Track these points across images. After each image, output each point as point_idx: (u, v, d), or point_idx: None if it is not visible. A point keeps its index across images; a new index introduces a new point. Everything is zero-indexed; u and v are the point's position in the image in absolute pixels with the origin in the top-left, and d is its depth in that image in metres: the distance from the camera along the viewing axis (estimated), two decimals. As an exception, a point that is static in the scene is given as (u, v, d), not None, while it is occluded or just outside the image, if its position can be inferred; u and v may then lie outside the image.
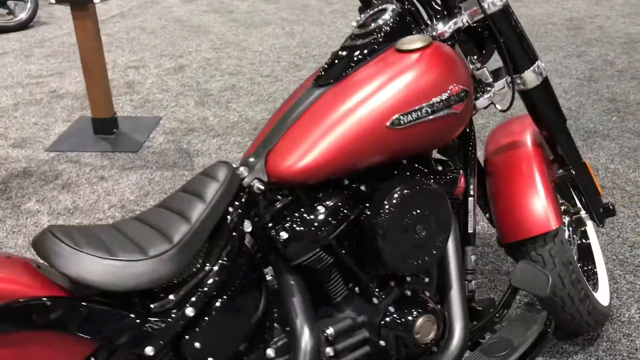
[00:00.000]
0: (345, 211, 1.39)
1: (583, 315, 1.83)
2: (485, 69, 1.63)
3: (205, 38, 5.32)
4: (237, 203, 1.33)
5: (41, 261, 1.16)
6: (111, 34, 5.54)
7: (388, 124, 1.35)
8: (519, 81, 1.68)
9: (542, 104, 1.74)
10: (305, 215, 1.36)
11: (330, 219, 1.37)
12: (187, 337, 1.22)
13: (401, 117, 1.35)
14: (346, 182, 1.42)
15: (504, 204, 1.79)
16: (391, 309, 1.49)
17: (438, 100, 1.38)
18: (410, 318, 1.47)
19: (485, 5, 1.55)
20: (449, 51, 1.46)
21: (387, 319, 1.48)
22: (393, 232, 1.37)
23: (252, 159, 1.40)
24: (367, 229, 1.38)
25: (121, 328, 1.15)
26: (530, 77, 1.67)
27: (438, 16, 1.60)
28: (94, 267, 1.13)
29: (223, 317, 1.26)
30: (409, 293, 1.52)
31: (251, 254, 1.37)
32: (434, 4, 1.62)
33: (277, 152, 1.37)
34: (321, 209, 1.37)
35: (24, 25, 5.71)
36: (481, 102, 1.65)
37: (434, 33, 1.57)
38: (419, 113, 1.37)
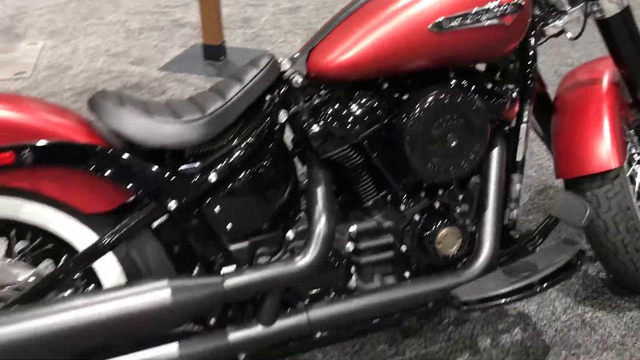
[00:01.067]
0: (378, 113, 1.41)
1: (638, 267, 1.72)
2: None
3: (326, -17, 5.38)
4: (275, 92, 1.41)
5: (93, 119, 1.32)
6: None
7: (430, 26, 1.35)
8: (595, 8, 1.59)
9: (621, 36, 1.64)
10: (338, 112, 1.40)
11: (362, 118, 1.40)
12: (208, 200, 1.33)
13: (445, 20, 1.35)
14: (385, 85, 1.44)
15: (566, 139, 1.72)
16: (417, 217, 1.51)
17: (486, 7, 1.36)
18: (433, 228, 1.48)
19: None
20: None
21: (411, 226, 1.50)
22: (422, 138, 1.38)
23: (296, 55, 1.46)
24: (397, 132, 1.40)
25: (151, 180, 1.28)
26: (607, 5, 1.58)
27: None
28: (132, 123, 1.26)
29: (244, 190, 1.36)
30: (437, 205, 1.53)
31: (283, 143, 1.44)
32: None
33: (319, 49, 1.41)
34: (355, 107, 1.41)
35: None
36: (552, 28, 1.59)
37: None
38: (463, 19, 1.35)
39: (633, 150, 1.90)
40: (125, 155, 1.26)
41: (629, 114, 1.79)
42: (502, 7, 1.37)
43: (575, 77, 1.83)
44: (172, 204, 1.29)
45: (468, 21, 1.35)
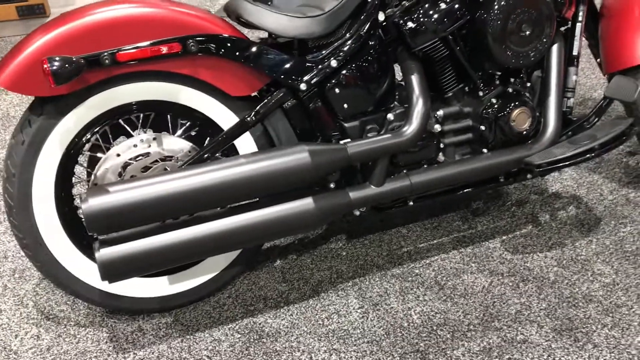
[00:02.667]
0: (462, 10, 1.69)
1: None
2: None
3: None
4: (373, -4, 1.68)
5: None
6: None
7: None
8: None
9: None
10: (428, 10, 1.67)
11: (449, 15, 1.67)
12: (330, 83, 1.63)
13: None
14: None
15: (612, 38, 1.98)
16: (493, 100, 1.79)
17: None
18: (508, 108, 1.77)
19: None
20: None
21: (489, 109, 1.79)
22: (502, 29, 1.66)
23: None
24: (480, 26, 1.68)
25: (285, 65, 1.57)
26: None
27: None
28: (269, 18, 1.55)
29: (356, 76, 1.65)
30: (510, 90, 1.81)
31: (383, 40, 1.72)
32: None
33: None
34: (443, 5, 1.68)
35: None
36: None
37: None
38: None
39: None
40: (264, 46, 1.55)
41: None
42: None
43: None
44: (303, 86, 1.59)
45: None
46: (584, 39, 2.18)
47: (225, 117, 1.62)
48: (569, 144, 1.76)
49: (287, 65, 1.57)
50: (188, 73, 1.54)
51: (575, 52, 1.90)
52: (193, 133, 1.66)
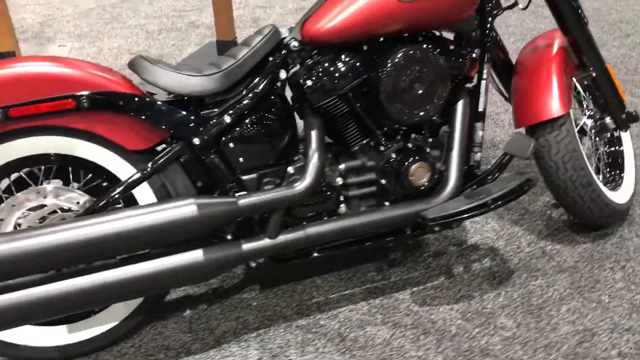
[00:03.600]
0: (359, 69, 1.75)
1: (585, 201, 2.04)
2: None
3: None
4: (276, 54, 1.75)
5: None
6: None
7: None
8: None
9: (560, 3, 1.97)
10: (327, 69, 1.74)
11: (346, 74, 1.74)
12: (224, 138, 1.68)
13: None
14: (365, 47, 1.78)
15: (521, 94, 2.04)
16: (393, 155, 1.84)
17: None
18: (407, 163, 1.81)
19: None
20: None
21: (389, 163, 1.84)
22: (394, 87, 1.72)
23: (294, 25, 1.81)
24: (374, 84, 1.74)
25: (179, 122, 1.63)
26: None
27: None
28: (164, 77, 1.62)
29: (252, 131, 1.70)
30: (410, 145, 1.87)
31: (284, 97, 1.78)
32: None
33: (311, 19, 1.76)
34: (340, 65, 1.74)
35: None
36: (504, 0, 1.93)
37: None
38: (424, -12, 1.69)
39: (585, 104, 2.23)
40: (159, 103, 1.61)
41: (576, 73, 2.12)
42: None
43: (533, 45, 2.16)
44: (196, 140, 1.64)
45: (428, -10, 1.69)
46: (501, 95, 2.26)
47: (123, 170, 1.67)
48: (464, 199, 1.80)
49: (181, 121, 1.63)
50: (84, 128, 1.59)
51: (481, 109, 1.96)
52: (95, 184, 1.71)
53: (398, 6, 1.70)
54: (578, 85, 2.18)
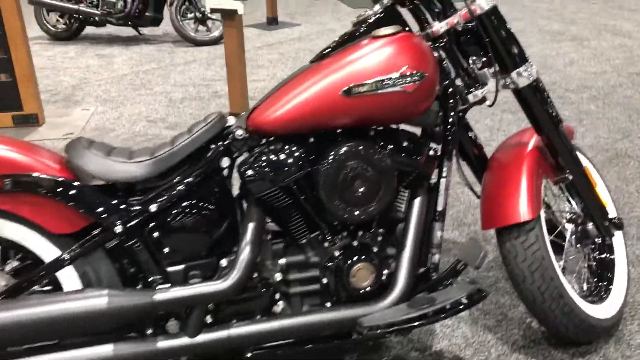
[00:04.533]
0: (302, 162, 1.67)
1: (557, 315, 1.85)
2: (485, 69, 1.81)
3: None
4: (219, 142, 1.70)
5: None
6: (283, 53, 6.30)
7: (341, 92, 1.62)
8: (508, 81, 1.82)
9: (533, 105, 1.86)
10: (269, 159, 1.67)
11: (288, 166, 1.66)
12: (149, 227, 1.62)
13: (353, 87, 1.61)
14: (311, 139, 1.71)
15: (489, 195, 1.91)
16: (336, 253, 1.73)
17: (388, 77, 1.61)
18: (349, 263, 1.70)
19: (473, 7, 1.74)
20: (414, 40, 1.66)
21: (331, 261, 1.72)
22: (332, 184, 1.63)
23: (242, 113, 1.76)
24: (316, 179, 1.66)
25: (103, 207, 1.58)
26: (517, 78, 1.81)
27: (438, 17, 1.83)
28: (93, 161, 1.58)
29: (182, 221, 1.63)
30: (355, 243, 1.75)
31: (224, 185, 1.71)
32: (434, 5, 1.85)
33: (257, 108, 1.71)
34: (283, 156, 1.67)
35: (216, 41, 6.72)
36: (472, 96, 1.83)
37: (429, 31, 1.81)
38: (369, 86, 1.61)
39: (564, 208, 2.07)
40: (85, 187, 1.57)
41: (552, 175, 1.97)
42: (403, 77, 1.62)
43: (507, 142, 2.04)
44: (118, 228, 1.58)
45: (373, 88, 1.61)
46: (472, 192, 2.12)
47: (48, 252, 1.62)
48: (407, 307, 1.65)
49: (105, 207, 1.58)
50: (8, 209, 1.57)
51: (440, 208, 1.83)
52: (23, 266, 1.67)
53: (341, 101, 1.62)
54: (555, 187, 2.03)
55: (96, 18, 6.73)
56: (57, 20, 7.00)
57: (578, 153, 2.11)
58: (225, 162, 1.70)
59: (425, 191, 1.82)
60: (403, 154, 1.74)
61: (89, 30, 7.17)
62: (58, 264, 1.59)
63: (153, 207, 1.60)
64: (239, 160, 1.72)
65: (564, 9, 8.39)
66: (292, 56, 6.17)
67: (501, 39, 1.79)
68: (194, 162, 1.67)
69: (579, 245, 2.06)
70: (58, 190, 1.55)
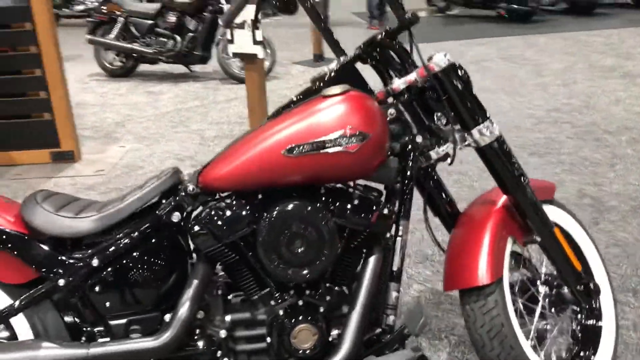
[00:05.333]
0: (248, 219, 1.67)
1: (519, 385, 1.75)
2: (449, 126, 1.78)
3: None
4: (171, 197, 1.73)
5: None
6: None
7: (283, 151, 1.62)
8: (470, 139, 1.77)
9: (495, 163, 1.79)
10: (215, 215, 1.68)
11: (233, 223, 1.67)
12: (91, 281, 1.66)
13: (295, 147, 1.61)
14: (260, 196, 1.71)
15: (451, 255, 1.85)
16: (280, 312, 1.71)
17: (330, 137, 1.60)
18: (291, 323, 1.67)
19: (430, 65, 1.72)
20: (360, 100, 1.63)
21: (275, 320, 1.70)
22: (271, 242, 1.62)
23: (195, 169, 1.79)
24: (257, 237, 1.65)
25: (48, 262, 1.64)
26: (477, 136, 1.75)
27: (400, 73, 1.81)
28: (38, 216, 1.65)
29: (124, 276, 1.67)
30: (301, 303, 1.72)
31: (174, 239, 1.74)
32: (395, 63, 1.83)
33: (209, 166, 1.73)
34: (229, 213, 1.68)
35: (260, 78, 6.88)
36: (434, 154, 1.79)
37: (390, 87, 1.80)
38: (311, 145, 1.60)
39: (542, 270, 1.96)
40: (32, 241, 1.64)
41: (520, 235, 1.88)
42: (345, 138, 1.60)
43: (479, 199, 1.97)
44: (61, 282, 1.63)
45: (314, 148, 1.60)
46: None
47: (2, 301, 1.69)
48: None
49: (49, 261, 1.64)
50: (-36, 257, 1.66)
51: (395, 268, 1.78)
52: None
53: (284, 160, 1.62)
54: (524, 249, 1.93)
55: (149, 56, 7.05)
56: (114, 58, 7.38)
57: (560, 211, 2.01)
58: (175, 217, 1.73)
59: (381, 249, 1.78)
60: (353, 212, 1.71)
61: (144, 67, 7.51)
62: (6, 312, 1.65)
63: (95, 262, 1.65)
64: (187, 214, 1.74)
65: (622, 43, 8.07)
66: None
67: (460, 96, 1.74)
68: (144, 216, 1.71)
69: (553, 310, 1.95)
70: (6, 243, 1.63)
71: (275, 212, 1.63)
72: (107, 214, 1.67)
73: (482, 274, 1.73)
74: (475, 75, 6.38)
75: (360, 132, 1.61)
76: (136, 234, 1.68)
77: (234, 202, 1.69)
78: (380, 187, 1.83)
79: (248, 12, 3.88)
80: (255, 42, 3.81)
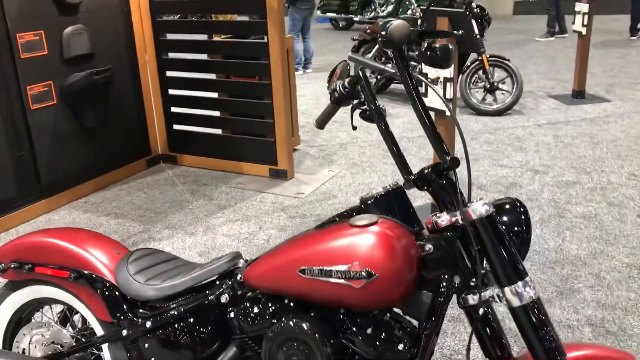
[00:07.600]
0: (264, 321, 1.86)
1: None
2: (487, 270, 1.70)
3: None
4: (224, 280, 2.00)
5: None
6: (558, 136, 5.91)
7: (298, 270, 1.74)
8: (502, 296, 1.66)
9: (525, 327, 1.64)
10: (244, 310, 1.90)
11: (255, 320, 1.87)
12: (143, 339, 2.02)
13: (307, 268, 1.72)
14: (286, 300, 1.86)
15: None
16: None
17: (338, 269, 1.67)
18: None
19: (469, 211, 1.65)
20: (382, 237, 1.63)
21: None
22: (270, 352, 1.78)
23: (251, 258, 2.02)
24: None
25: (119, 312, 2.05)
26: (509, 295, 1.63)
27: (448, 209, 1.76)
28: (120, 276, 2.06)
29: (170, 339, 1.99)
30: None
31: (221, 316, 1.99)
32: (446, 196, 1.77)
33: (254, 261, 1.94)
34: (256, 310, 1.88)
35: (499, 112, 6.70)
36: (471, 299, 1.72)
37: (434, 220, 1.77)
38: (318, 271, 1.70)
39: None
40: (115, 292, 2.06)
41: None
42: (349, 272, 1.65)
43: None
44: (124, 332, 2.03)
45: (322, 274, 1.69)
46: None
47: (98, 329, 2.16)
48: None
49: (121, 312, 2.05)
50: (75, 291, 2.16)
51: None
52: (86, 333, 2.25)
53: (297, 278, 1.73)
54: None
55: (397, 78, 7.35)
56: (369, 76, 7.87)
57: None
58: (224, 298, 1.99)
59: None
60: (362, 339, 1.75)
61: (394, 86, 7.86)
62: (100, 341, 2.12)
63: (148, 324, 2.01)
64: (234, 298, 1.98)
65: None
66: (564, 142, 5.74)
67: (494, 250, 1.63)
68: (199, 291, 2.01)
69: None
70: (100, 287, 2.08)
71: (282, 322, 1.77)
72: (168, 285, 2.01)
73: None
74: None
75: (366, 270, 1.64)
76: (188, 306, 1.99)
77: (262, 302, 1.88)
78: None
79: (443, 71, 3.90)
80: (446, 99, 3.82)
